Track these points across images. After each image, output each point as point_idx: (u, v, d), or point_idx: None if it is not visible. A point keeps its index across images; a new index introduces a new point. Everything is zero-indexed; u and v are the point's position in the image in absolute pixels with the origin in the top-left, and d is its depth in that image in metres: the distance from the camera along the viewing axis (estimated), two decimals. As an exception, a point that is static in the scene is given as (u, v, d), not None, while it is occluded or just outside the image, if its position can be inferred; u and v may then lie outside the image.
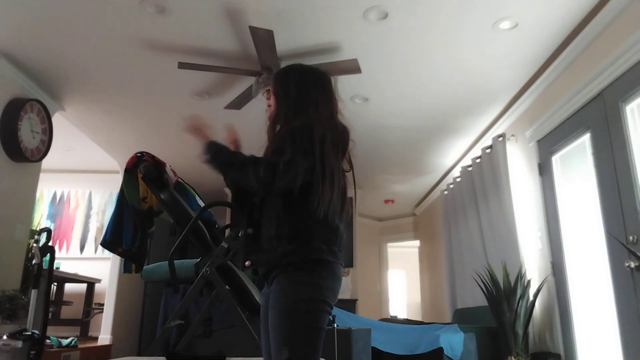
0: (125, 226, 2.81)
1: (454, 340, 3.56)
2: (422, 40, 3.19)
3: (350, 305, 7.09)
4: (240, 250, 1.53)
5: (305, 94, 1.56)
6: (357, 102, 4.05)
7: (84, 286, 5.45)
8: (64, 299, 5.38)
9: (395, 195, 7.05)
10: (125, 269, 2.89)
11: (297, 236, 1.39)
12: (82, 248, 6.02)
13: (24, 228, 3.81)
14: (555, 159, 3.52)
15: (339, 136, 1.52)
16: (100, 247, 5.26)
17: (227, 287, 2.64)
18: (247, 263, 1.45)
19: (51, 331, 3.48)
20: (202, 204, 2.84)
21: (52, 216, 6.13)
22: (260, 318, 1.52)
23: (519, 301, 3.53)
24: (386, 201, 7.34)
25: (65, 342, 4.03)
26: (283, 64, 3.36)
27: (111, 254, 3.66)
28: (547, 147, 3.58)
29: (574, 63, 3.16)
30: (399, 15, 2.92)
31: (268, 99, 1.66)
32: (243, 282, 2.68)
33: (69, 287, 5.44)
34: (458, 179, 5.45)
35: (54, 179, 5.97)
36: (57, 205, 6.20)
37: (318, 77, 1.62)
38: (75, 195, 6.26)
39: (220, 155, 1.48)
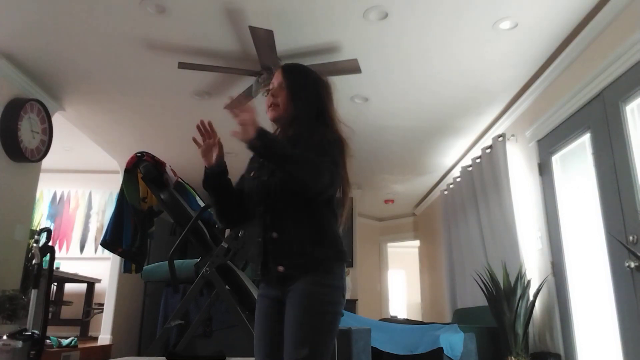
0: (125, 226, 2.81)
1: (454, 340, 3.56)
2: (422, 40, 3.19)
3: (350, 305, 7.08)
4: (257, 254, 1.48)
5: (321, 103, 1.58)
6: (357, 102, 4.05)
7: (84, 286, 5.45)
8: (64, 299, 5.38)
9: (395, 195, 7.06)
10: (125, 269, 2.90)
11: (333, 241, 1.45)
12: (82, 248, 6.02)
13: (24, 228, 3.81)
14: (555, 159, 3.52)
15: (349, 148, 1.55)
16: (100, 247, 5.25)
17: (227, 287, 2.64)
18: (280, 269, 1.40)
19: (51, 331, 3.48)
20: (202, 204, 2.84)
21: (52, 216, 6.12)
22: (260, 319, 1.49)
23: (519, 301, 3.53)
24: (386, 201, 7.35)
25: (65, 342, 4.03)
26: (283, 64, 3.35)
27: (111, 254, 3.67)
28: (547, 147, 3.58)
29: (574, 63, 3.16)
30: (399, 15, 2.92)
31: (270, 89, 1.60)
32: (243, 282, 2.69)
33: (69, 287, 5.44)
34: (458, 179, 5.45)
35: (54, 179, 5.97)
36: (57, 205, 6.20)
37: (327, 87, 1.63)
38: (75, 195, 6.26)
39: (278, 146, 1.39)
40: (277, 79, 1.60)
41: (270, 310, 1.46)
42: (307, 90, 1.57)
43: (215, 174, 1.51)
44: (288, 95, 1.55)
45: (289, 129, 1.54)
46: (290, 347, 1.34)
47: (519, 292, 3.57)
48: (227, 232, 2.95)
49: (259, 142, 1.35)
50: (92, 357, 4.54)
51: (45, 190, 6.13)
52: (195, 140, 1.50)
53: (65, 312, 5.43)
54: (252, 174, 1.56)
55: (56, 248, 4.78)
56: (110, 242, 2.81)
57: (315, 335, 1.35)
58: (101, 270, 5.60)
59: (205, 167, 1.51)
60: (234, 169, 1.67)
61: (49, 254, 2.94)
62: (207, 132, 1.49)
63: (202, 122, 1.49)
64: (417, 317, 8.22)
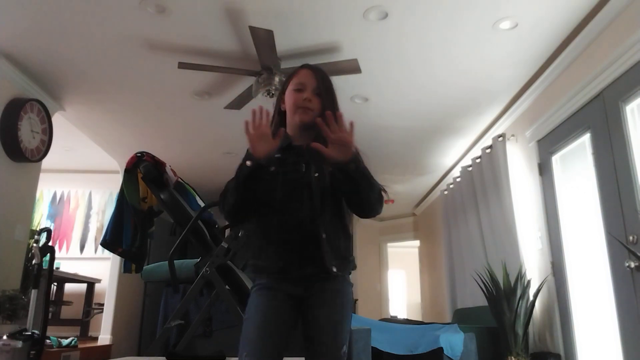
0: (125, 226, 2.81)
1: (454, 340, 3.56)
2: (422, 40, 3.19)
3: (350, 305, 7.06)
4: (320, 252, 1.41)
5: None
6: (357, 102, 4.05)
7: (84, 286, 5.45)
8: (64, 299, 5.38)
9: (395, 195, 7.05)
10: (125, 269, 2.90)
11: (352, 243, 1.54)
12: (82, 248, 6.01)
13: (24, 228, 3.81)
14: (555, 159, 3.52)
15: None
16: (100, 247, 5.25)
17: (227, 287, 2.64)
18: (334, 269, 1.39)
19: (51, 331, 3.48)
20: (202, 204, 2.84)
21: (52, 216, 6.12)
22: (267, 310, 1.41)
23: (519, 301, 3.53)
24: (386, 201, 7.25)
25: (65, 342, 4.03)
26: (283, 64, 3.36)
27: (111, 254, 3.67)
28: (547, 147, 3.58)
29: (574, 63, 3.16)
30: (399, 15, 2.92)
31: (301, 89, 1.49)
32: (243, 282, 2.69)
33: (69, 287, 5.44)
34: (458, 179, 5.45)
35: (54, 179, 5.97)
36: (57, 205, 6.20)
37: None
38: (75, 195, 6.26)
39: (364, 170, 1.40)
40: (310, 82, 1.50)
41: (285, 305, 1.40)
42: (336, 100, 1.53)
43: (262, 167, 1.36)
44: (325, 104, 1.49)
45: (320, 138, 1.42)
46: (330, 344, 1.36)
47: (519, 292, 3.57)
48: (227, 232, 2.95)
49: (354, 165, 1.34)
50: (92, 357, 4.54)
51: (45, 190, 6.13)
52: (247, 124, 1.35)
53: (65, 312, 5.43)
54: (272, 169, 1.44)
55: (56, 248, 4.78)
56: (110, 242, 2.81)
57: (348, 331, 1.41)
58: (101, 270, 5.60)
59: (253, 159, 1.35)
60: (233, 170, 1.64)
61: (49, 254, 2.94)
62: (260, 119, 1.36)
63: (260, 108, 1.39)
64: (417, 317, 8.22)
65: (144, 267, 2.98)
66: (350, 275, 1.51)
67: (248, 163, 1.35)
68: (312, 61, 3.27)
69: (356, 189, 1.38)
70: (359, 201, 1.43)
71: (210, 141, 5.03)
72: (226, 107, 3.89)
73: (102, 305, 5.36)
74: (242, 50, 3.34)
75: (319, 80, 1.52)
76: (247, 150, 1.47)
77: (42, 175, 4.08)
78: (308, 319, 1.40)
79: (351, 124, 1.35)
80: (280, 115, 1.58)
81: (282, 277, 1.42)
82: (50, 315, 3.99)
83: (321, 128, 1.34)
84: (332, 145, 1.33)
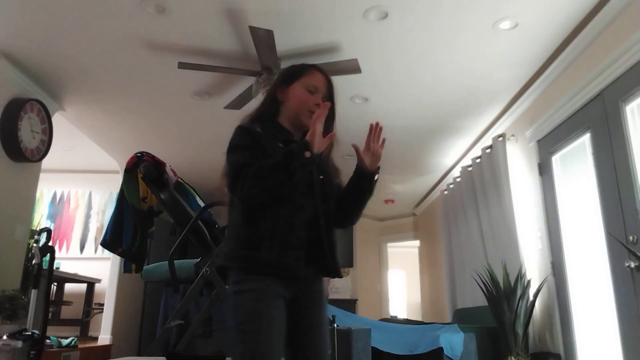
0: (125, 226, 2.81)
1: (454, 340, 3.56)
2: (422, 40, 3.19)
3: (350, 305, 7.09)
4: (296, 247, 1.39)
5: None
6: (357, 102, 4.05)
7: (84, 286, 5.45)
8: (64, 299, 5.38)
9: (395, 195, 7.06)
10: (125, 269, 2.90)
11: None
12: (82, 248, 6.02)
13: (24, 228, 3.81)
14: (555, 159, 3.52)
15: None
16: (100, 247, 5.25)
17: (227, 287, 2.64)
18: (343, 271, 1.48)
19: (51, 331, 3.48)
20: (202, 204, 2.84)
21: (52, 216, 6.12)
22: (276, 318, 1.34)
23: (519, 301, 3.53)
24: (386, 201, 7.35)
25: (65, 342, 4.04)
26: (283, 64, 3.36)
27: (111, 254, 3.67)
28: (547, 147, 3.58)
29: (574, 63, 3.16)
30: (399, 15, 2.92)
31: (314, 92, 1.52)
32: (243, 282, 2.68)
33: (69, 287, 5.45)
34: (458, 179, 5.45)
35: (54, 179, 5.97)
36: (57, 205, 6.20)
37: None
38: (75, 195, 6.26)
39: None
40: (322, 88, 1.53)
41: (282, 311, 1.35)
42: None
43: (314, 161, 1.35)
44: (329, 110, 1.50)
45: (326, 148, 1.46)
46: (322, 347, 1.41)
47: (519, 292, 3.57)
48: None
49: (378, 174, 1.47)
50: (92, 357, 4.54)
51: (45, 190, 6.13)
52: (317, 114, 1.38)
53: (65, 312, 5.43)
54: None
55: (56, 248, 4.78)
56: (110, 242, 2.82)
57: None
58: (101, 270, 5.60)
59: (310, 150, 1.32)
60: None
61: (49, 254, 2.94)
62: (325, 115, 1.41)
63: (329, 103, 1.44)
64: (417, 317, 8.22)
65: (144, 267, 2.99)
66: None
67: (307, 154, 1.31)
68: (312, 61, 3.27)
69: (366, 198, 1.49)
70: (356, 210, 1.51)
71: (210, 141, 5.03)
72: (226, 107, 3.89)
73: (102, 305, 5.35)
74: (242, 50, 3.34)
75: (330, 87, 1.57)
76: (252, 133, 1.46)
77: (42, 175, 4.08)
78: (302, 320, 1.38)
79: (383, 140, 1.48)
80: (274, 103, 1.56)
81: (281, 275, 1.34)
82: (50, 315, 3.99)
83: (368, 135, 1.46)
84: (366, 152, 1.46)
